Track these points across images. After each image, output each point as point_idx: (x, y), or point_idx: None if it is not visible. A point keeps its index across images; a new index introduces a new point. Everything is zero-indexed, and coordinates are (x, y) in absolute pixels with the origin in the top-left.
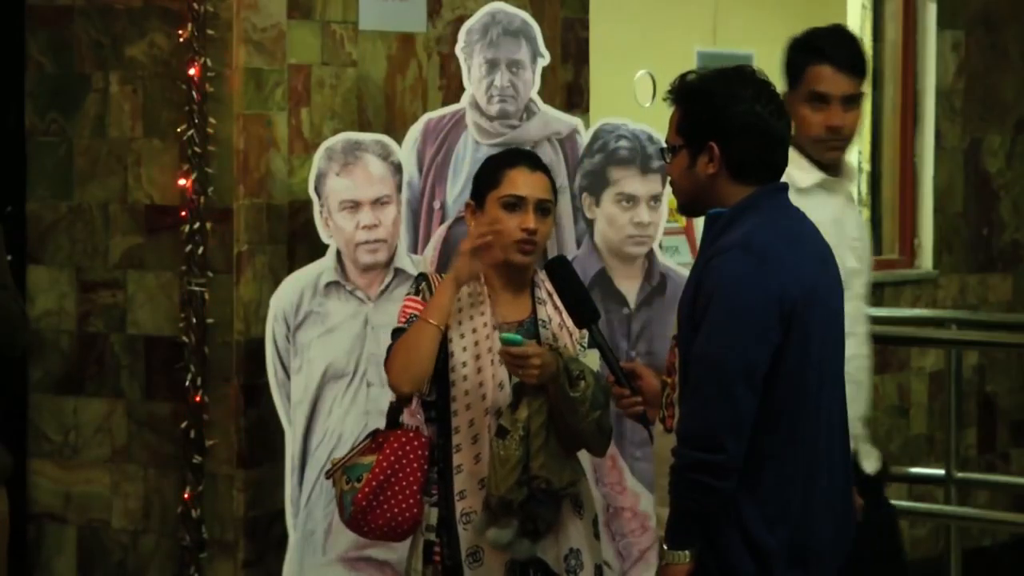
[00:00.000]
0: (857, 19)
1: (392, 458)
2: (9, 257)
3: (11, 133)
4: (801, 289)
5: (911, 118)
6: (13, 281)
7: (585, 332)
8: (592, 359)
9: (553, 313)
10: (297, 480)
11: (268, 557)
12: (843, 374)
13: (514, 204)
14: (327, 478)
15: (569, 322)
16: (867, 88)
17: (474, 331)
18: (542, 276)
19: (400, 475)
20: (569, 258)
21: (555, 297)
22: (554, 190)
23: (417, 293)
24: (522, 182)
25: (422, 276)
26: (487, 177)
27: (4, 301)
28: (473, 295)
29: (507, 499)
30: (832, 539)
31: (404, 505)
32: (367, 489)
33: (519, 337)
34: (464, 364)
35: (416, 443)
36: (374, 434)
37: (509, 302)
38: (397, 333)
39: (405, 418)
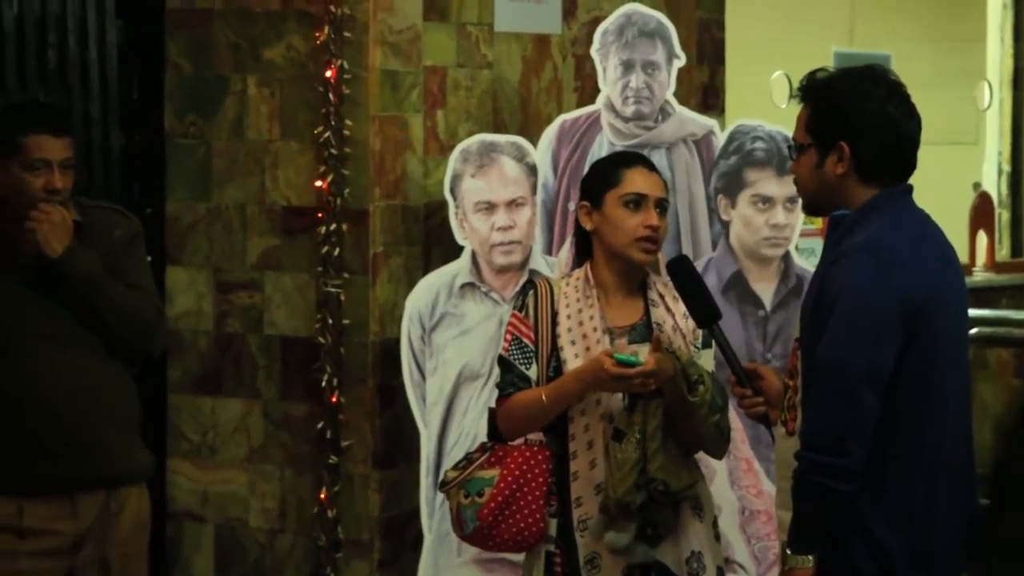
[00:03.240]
0: (998, 19)
1: (516, 472)
2: (149, 258)
3: (151, 135)
4: (925, 291)
5: None
6: (153, 282)
7: (699, 333)
8: (707, 360)
9: (666, 316)
10: (432, 481)
11: (403, 557)
12: (967, 376)
13: (636, 202)
14: (441, 491)
15: (682, 324)
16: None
17: (584, 336)
18: (652, 278)
19: (525, 489)
20: (705, 260)
21: (667, 299)
22: (667, 191)
23: (521, 309)
24: (642, 181)
25: (529, 284)
26: (604, 177)
27: (139, 302)
28: (583, 299)
29: (625, 502)
30: (955, 541)
31: (531, 519)
32: (492, 504)
33: (633, 357)
34: None
35: (540, 457)
36: (486, 447)
37: (620, 305)
38: (504, 365)
39: (530, 434)
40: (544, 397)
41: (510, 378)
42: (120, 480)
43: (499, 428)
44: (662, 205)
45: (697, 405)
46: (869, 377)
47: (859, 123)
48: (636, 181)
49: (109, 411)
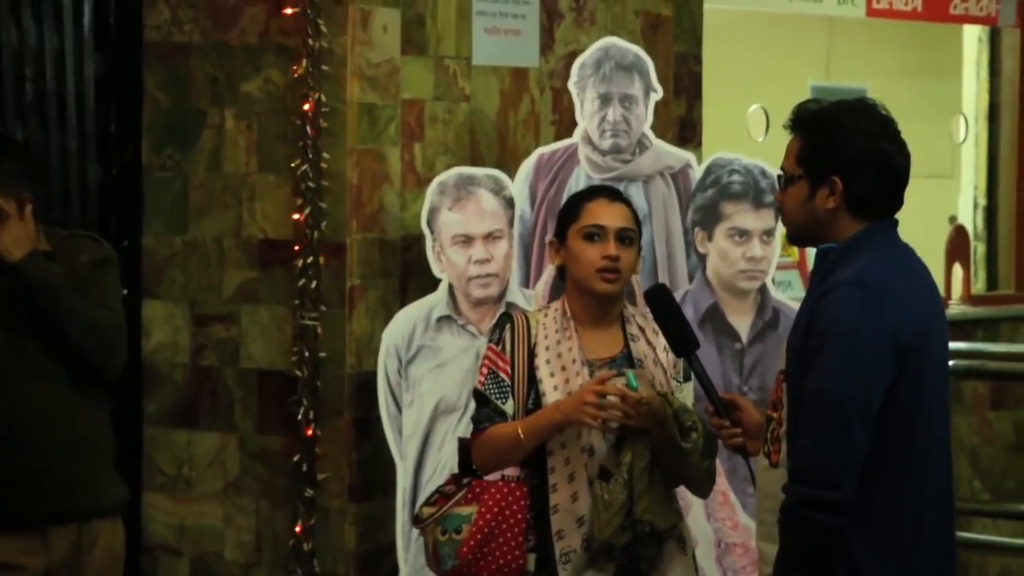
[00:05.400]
0: (974, 53)
1: (495, 509)
2: (125, 291)
3: (128, 168)
4: (914, 326)
5: None
6: (119, 306)
7: (680, 367)
8: (687, 394)
9: (647, 349)
10: (409, 514)
11: None
12: (948, 409)
13: (594, 234)
14: (415, 527)
15: (663, 358)
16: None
17: (563, 368)
18: (631, 311)
19: (504, 526)
20: (681, 293)
21: (647, 332)
22: (637, 221)
23: (497, 343)
24: (601, 212)
25: (506, 317)
26: (567, 212)
27: (100, 318)
28: (561, 331)
29: (610, 543)
30: (938, 573)
31: (511, 556)
32: (472, 542)
33: (634, 382)
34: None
35: (518, 493)
36: (460, 481)
37: (598, 337)
38: (479, 399)
39: (506, 469)
40: (521, 432)
41: (486, 412)
42: (93, 514)
43: (474, 462)
44: (625, 235)
45: (690, 451)
46: (860, 411)
47: (854, 158)
48: (595, 213)
49: (81, 444)
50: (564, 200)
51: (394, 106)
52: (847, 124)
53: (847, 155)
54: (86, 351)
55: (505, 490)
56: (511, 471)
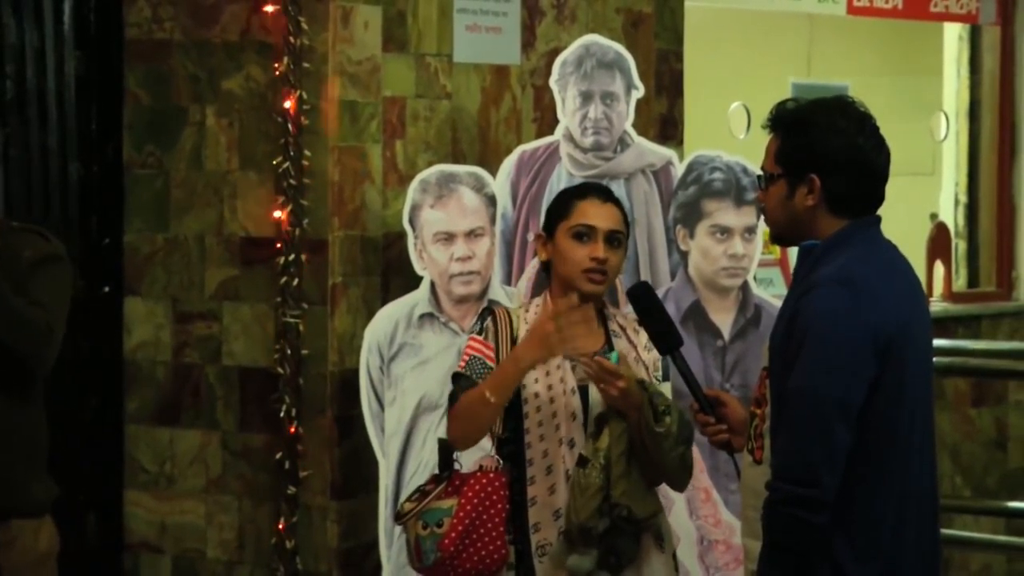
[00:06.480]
0: (954, 50)
1: (475, 500)
2: (106, 288)
3: (109, 166)
4: (896, 323)
5: (1008, 149)
6: (60, 305)
7: (660, 365)
8: (667, 392)
9: (628, 347)
10: (391, 511)
11: None
12: (932, 408)
13: (584, 234)
14: (397, 523)
15: (644, 355)
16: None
17: (545, 362)
18: (612, 310)
19: (485, 517)
20: (663, 290)
21: (628, 331)
22: (626, 222)
23: (481, 332)
24: (592, 213)
25: (487, 311)
26: (558, 208)
27: (31, 312)
28: None
29: (587, 526)
30: (920, 572)
31: (492, 547)
32: (454, 534)
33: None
34: (536, 396)
35: (498, 483)
36: (439, 478)
37: (580, 334)
38: (458, 379)
39: (484, 461)
40: (487, 392)
41: (463, 384)
42: (11, 513)
43: (450, 438)
44: (614, 237)
45: (663, 436)
46: (841, 409)
47: (830, 156)
48: (586, 213)
49: (1, 443)
50: (550, 196)
51: (376, 103)
52: (823, 122)
53: (824, 153)
54: (12, 343)
55: (484, 481)
56: (489, 462)
